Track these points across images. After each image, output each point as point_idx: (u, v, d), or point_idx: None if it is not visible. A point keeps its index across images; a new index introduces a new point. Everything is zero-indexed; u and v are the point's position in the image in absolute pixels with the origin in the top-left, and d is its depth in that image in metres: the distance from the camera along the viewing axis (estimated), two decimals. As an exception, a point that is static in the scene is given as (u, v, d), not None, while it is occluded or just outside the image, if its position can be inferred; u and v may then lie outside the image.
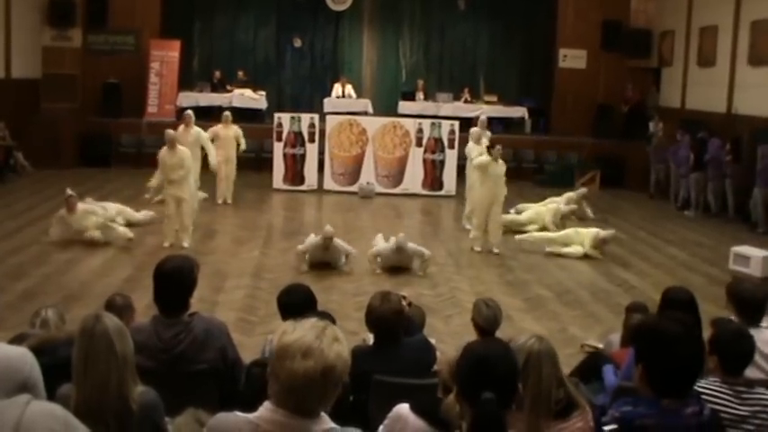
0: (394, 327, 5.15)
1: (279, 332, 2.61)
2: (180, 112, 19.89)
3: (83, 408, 3.41)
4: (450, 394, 3.37)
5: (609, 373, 5.81)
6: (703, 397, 3.42)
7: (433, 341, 6.12)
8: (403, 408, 3.54)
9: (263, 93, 22.27)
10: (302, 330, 2.57)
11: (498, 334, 5.78)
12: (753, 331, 4.72)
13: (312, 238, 12.07)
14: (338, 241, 12.05)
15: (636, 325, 5.24)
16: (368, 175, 18.75)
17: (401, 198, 18.43)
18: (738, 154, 17.39)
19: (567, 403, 3.63)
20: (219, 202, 16.57)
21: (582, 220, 15.75)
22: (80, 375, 3.55)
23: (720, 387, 4.04)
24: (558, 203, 15.37)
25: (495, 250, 13.41)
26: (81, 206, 13.00)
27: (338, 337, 2.60)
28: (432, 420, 3.45)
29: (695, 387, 3.33)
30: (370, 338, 5.45)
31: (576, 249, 13.42)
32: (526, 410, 3.51)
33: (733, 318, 5.38)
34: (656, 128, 20.47)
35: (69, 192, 13.02)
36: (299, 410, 2.55)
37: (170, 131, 13.34)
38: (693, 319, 4.49)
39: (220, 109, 19.54)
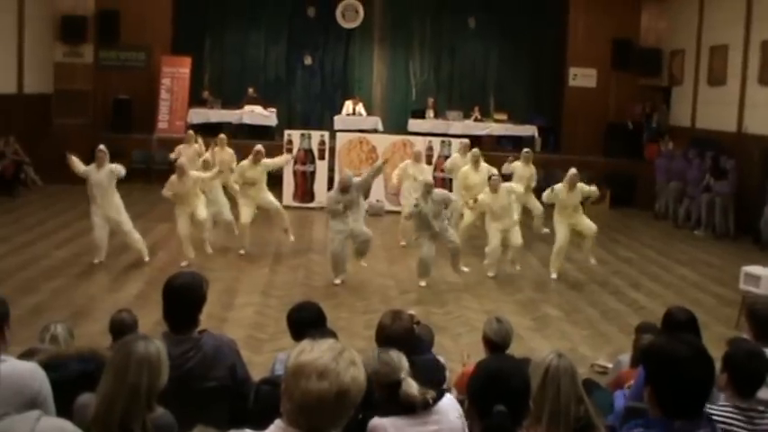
0: (405, 345, 5.13)
1: (296, 350, 2.58)
2: (189, 128, 19.89)
3: (99, 417, 3.42)
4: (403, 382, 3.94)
5: (620, 400, 5.77)
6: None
7: (442, 360, 6.10)
8: (374, 420, 3.91)
9: (274, 110, 22.30)
10: (320, 351, 2.55)
11: (508, 353, 5.76)
12: (767, 350, 4.69)
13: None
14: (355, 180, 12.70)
15: (645, 346, 5.22)
16: (377, 193, 18.74)
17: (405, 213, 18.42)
18: (721, 171, 17.50)
19: (587, 422, 3.63)
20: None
21: None
22: (99, 387, 3.55)
23: (732, 412, 4.00)
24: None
25: (518, 267, 13.56)
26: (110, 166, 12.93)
27: (355, 360, 2.57)
28: (400, 411, 3.89)
29: (706, 410, 3.31)
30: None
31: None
32: (544, 426, 3.52)
33: (745, 336, 5.35)
34: (665, 147, 20.46)
35: (101, 147, 13.12)
36: (310, 430, 2.53)
37: (182, 161, 13.50)
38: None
39: (230, 126, 19.67)
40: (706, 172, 18.00)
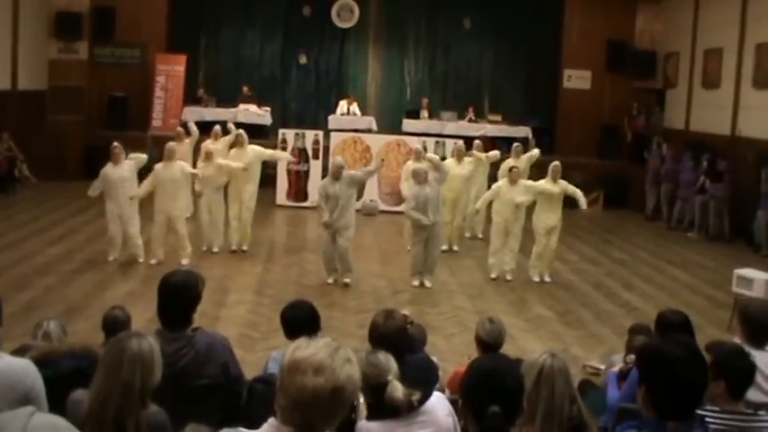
0: (398, 344, 5.13)
1: (292, 347, 2.59)
2: (181, 125, 19.80)
3: (93, 414, 3.42)
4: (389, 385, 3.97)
5: (612, 384, 5.77)
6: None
7: (434, 359, 6.11)
8: (361, 423, 3.96)
9: (268, 109, 22.26)
10: (316, 347, 2.56)
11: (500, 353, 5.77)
12: (757, 353, 4.70)
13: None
14: (350, 172, 12.42)
15: (639, 346, 5.23)
16: (371, 193, 18.75)
17: (404, 216, 18.35)
18: (716, 173, 17.50)
19: (579, 422, 3.64)
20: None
21: None
22: (92, 384, 3.55)
23: (719, 416, 3.98)
24: None
25: (509, 277, 13.14)
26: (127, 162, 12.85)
27: (351, 358, 2.59)
28: (386, 414, 3.93)
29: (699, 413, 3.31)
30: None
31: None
32: (537, 426, 3.53)
33: (737, 339, 5.36)
34: (657, 150, 20.45)
35: (115, 143, 12.97)
36: (304, 428, 2.53)
37: (171, 144, 13.39)
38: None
39: (225, 124, 19.60)
40: (699, 174, 18.02)
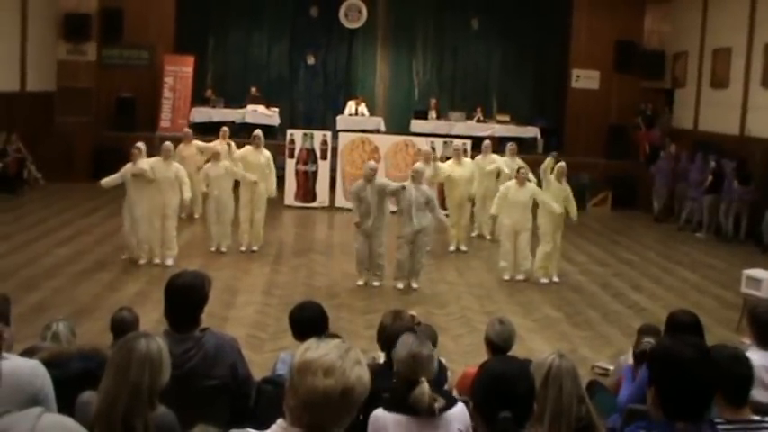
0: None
1: (302, 348, 2.60)
2: (189, 127, 19.79)
3: (102, 414, 3.42)
4: (419, 386, 3.98)
5: (627, 377, 5.75)
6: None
7: (443, 360, 6.10)
8: (377, 411, 4.02)
9: (276, 109, 22.30)
10: (326, 348, 2.56)
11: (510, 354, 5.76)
12: (766, 354, 4.67)
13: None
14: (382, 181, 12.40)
15: (650, 347, 5.21)
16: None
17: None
18: (745, 176, 17.35)
19: (588, 422, 3.64)
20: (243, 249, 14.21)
21: None
22: (101, 384, 3.55)
23: (725, 427, 3.92)
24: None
25: (520, 276, 13.04)
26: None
27: (360, 360, 2.59)
28: (404, 410, 3.97)
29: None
30: (381, 357, 5.43)
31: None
32: (546, 426, 3.52)
33: (746, 340, 5.35)
34: (667, 150, 20.39)
35: (138, 144, 13.02)
36: (313, 429, 2.53)
37: (168, 143, 13.36)
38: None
39: (233, 125, 19.65)
40: (708, 174, 17.90)
